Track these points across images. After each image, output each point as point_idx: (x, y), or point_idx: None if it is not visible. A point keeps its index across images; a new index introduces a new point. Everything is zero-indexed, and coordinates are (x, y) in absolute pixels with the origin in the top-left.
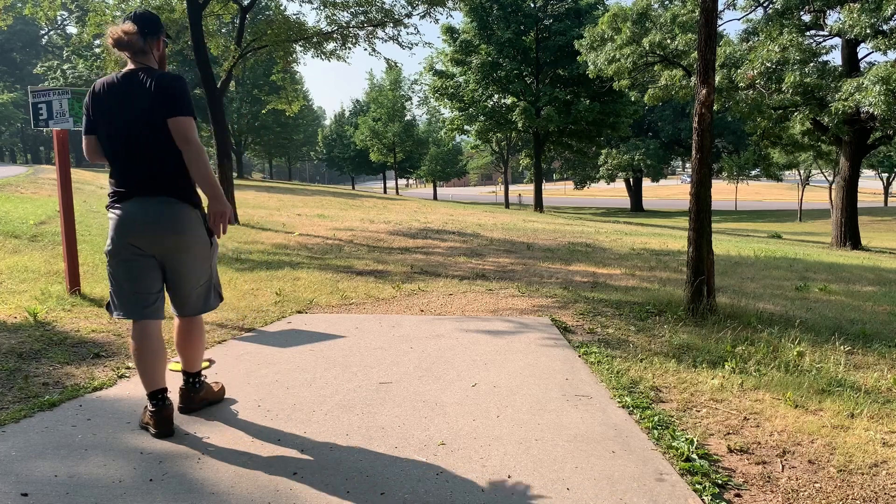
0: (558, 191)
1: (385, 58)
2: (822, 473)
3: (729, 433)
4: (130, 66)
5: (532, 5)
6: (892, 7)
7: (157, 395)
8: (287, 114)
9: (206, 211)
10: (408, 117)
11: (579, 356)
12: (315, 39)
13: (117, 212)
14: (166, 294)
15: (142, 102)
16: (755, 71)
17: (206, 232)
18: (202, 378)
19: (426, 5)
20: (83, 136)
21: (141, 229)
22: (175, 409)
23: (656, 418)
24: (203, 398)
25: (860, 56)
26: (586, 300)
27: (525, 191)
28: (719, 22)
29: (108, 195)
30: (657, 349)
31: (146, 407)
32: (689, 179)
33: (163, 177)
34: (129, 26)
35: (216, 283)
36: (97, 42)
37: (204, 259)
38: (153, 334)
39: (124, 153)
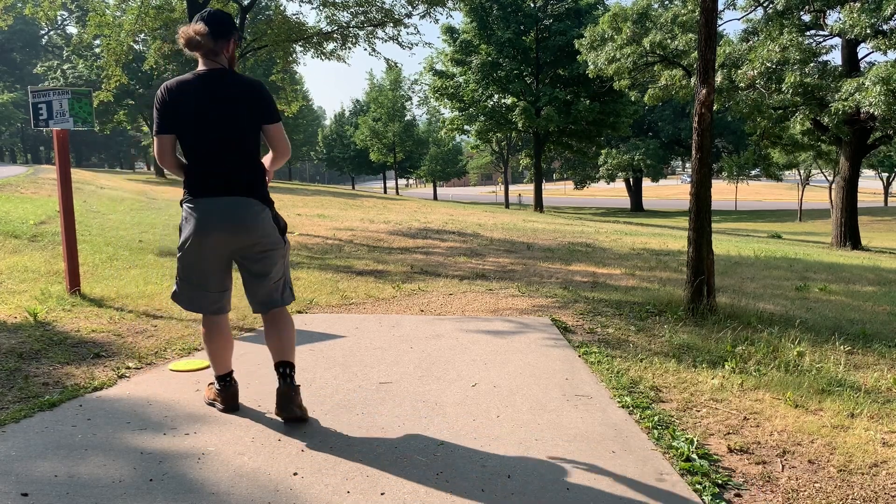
0: (558, 191)
1: (385, 58)
2: (822, 473)
3: (729, 433)
4: (203, 66)
5: (532, 5)
6: (892, 7)
7: (226, 378)
8: (286, 114)
9: (276, 212)
10: (408, 117)
11: (579, 356)
12: (315, 39)
13: (199, 208)
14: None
15: (237, 105)
16: (755, 71)
17: (280, 231)
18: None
19: (426, 5)
20: (156, 136)
21: (223, 228)
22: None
23: (656, 418)
24: (301, 402)
25: (860, 56)
26: (586, 300)
27: (525, 191)
28: (719, 22)
29: (186, 190)
30: (657, 349)
31: (212, 385)
32: (689, 179)
33: (248, 177)
34: (200, 27)
35: (289, 279)
36: (97, 42)
37: (280, 257)
38: (223, 327)
39: (212, 151)
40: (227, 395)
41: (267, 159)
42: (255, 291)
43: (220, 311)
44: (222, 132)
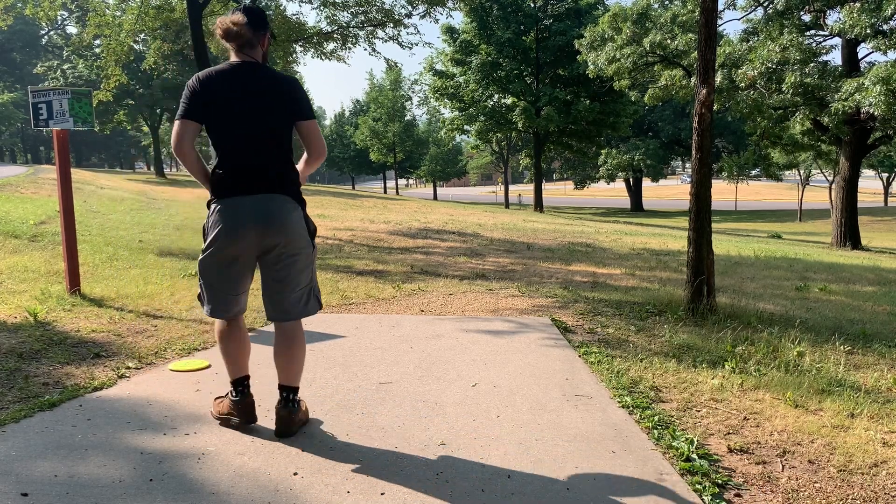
0: (558, 191)
1: (385, 58)
2: (822, 473)
3: (729, 433)
4: (236, 58)
5: (532, 5)
6: (892, 7)
7: (243, 383)
8: None
9: (307, 214)
10: (408, 117)
11: (579, 356)
12: (315, 39)
13: (227, 208)
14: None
15: (269, 99)
16: (755, 71)
17: (309, 234)
18: (299, 398)
19: (426, 5)
20: (178, 120)
21: (253, 227)
22: (275, 433)
23: (656, 418)
24: (301, 420)
25: (860, 56)
26: (586, 300)
27: (525, 191)
28: (719, 22)
29: (213, 189)
30: (657, 349)
31: (228, 396)
32: (689, 179)
33: (279, 171)
34: (238, 17)
35: (315, 287)
36: (97, 42)
37: (308, 262)
38: (240, 327)
39: (242, 146)
40: (244, 406)
41: (301, 161)
42: (278, 299)
43: (240, 312)
44: (253, 126)
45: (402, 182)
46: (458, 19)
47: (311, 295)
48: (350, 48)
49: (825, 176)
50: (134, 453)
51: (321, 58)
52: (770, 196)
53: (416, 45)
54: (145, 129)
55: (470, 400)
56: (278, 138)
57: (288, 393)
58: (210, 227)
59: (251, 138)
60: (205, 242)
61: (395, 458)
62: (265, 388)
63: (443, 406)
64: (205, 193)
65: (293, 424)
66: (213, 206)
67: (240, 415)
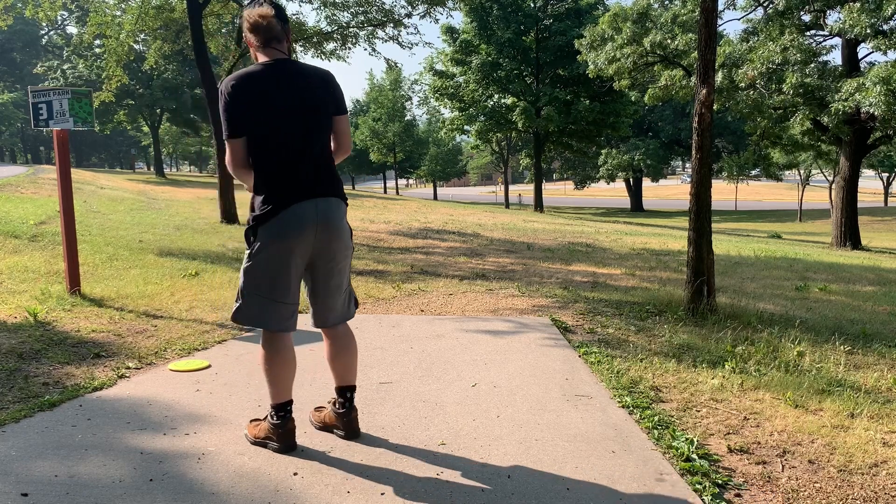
0: (558, 191)
1: (385, 58)
2: (822, 473)
3: (729, 433)
4: (265, 57)
5: (532, 5)
6: (892, 7)
7: (285, 408)
8: None
9: None
10: (408, 117)
11: (579, 356)
12: (315, 39)
13: (286, 214)
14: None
15: (315, 95)
16: (755, 71)
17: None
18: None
19: (426, 5)
20: (229, 141)
21: (312, 231)
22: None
23: (656, 418)
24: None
25: (860, 56)
26: (586, 300)
27: (525, 191)
28: (719, 22)
29: (265, 199)
30: (657, 349)
31: (266, 419)
32: (689, 179)
33: (329, 175)
34: (266, 9)
35: (352, 289)
36: (97, 42)
37: (349, 263)
38: (288, 345)
39: (292, 150)
40: (286, 431)
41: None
42: (328, 304)
43: (291, 326)
44: (301, 126)
45: (402, 182)
46: (458, 19)
47: (351, 296)
48: (350, 48)
49: (825, 176)
50: (134, 453)
51: (321, 57)
52: (770, 196)
53: (416, 45)
54: (145, 129)
55: (470, 400)
56: (326, 136)
57: (351, 393)
58: (260, 231)
59: (300, 140)
60: (251, 248)
61: (395, 458)
62: (264, 389)
63: (443, 406)
64: (204, 193)
65: (354, 422)
66: (268, 215)
67: (279, 440)
